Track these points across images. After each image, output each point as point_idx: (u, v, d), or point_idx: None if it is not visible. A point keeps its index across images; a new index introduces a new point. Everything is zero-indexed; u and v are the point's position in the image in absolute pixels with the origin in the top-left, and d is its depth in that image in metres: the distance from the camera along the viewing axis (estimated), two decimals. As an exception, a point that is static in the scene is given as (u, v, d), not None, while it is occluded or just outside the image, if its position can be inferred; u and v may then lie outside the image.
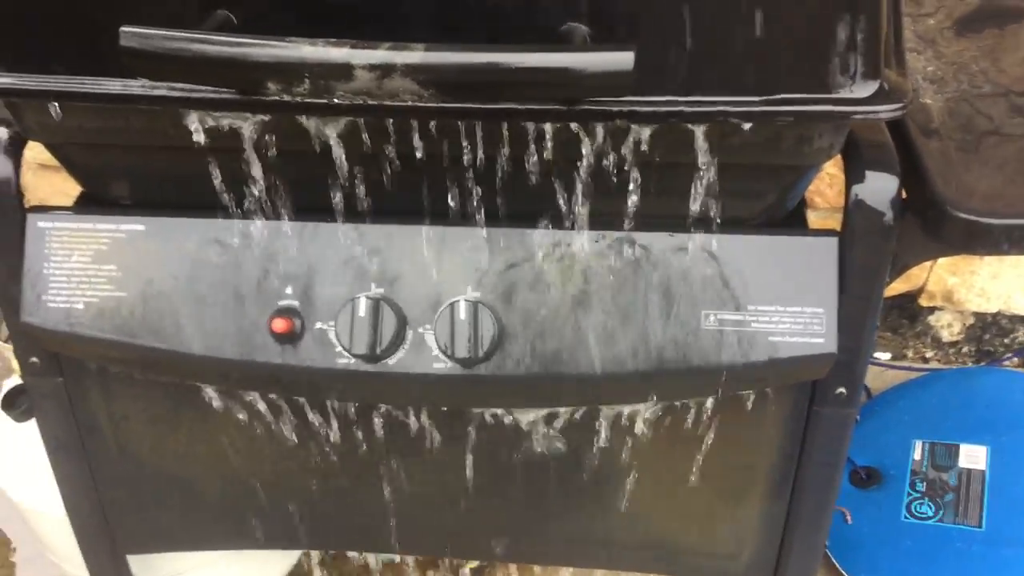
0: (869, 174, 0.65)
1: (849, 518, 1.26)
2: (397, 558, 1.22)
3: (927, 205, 0.64)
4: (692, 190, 0.63)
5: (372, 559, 1.14)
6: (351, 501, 0.83)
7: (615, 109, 0.55)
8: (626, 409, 0.73)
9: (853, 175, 0.65)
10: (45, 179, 1.09)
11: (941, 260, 1.41)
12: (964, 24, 0.86)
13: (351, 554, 1.09)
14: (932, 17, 0.85)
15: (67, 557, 1.08)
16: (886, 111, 0.57)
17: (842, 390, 0.71)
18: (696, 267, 0.67)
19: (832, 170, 0.69)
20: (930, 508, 1.25)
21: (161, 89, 0.56)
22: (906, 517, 1.24)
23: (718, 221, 0.66)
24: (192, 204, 0.67)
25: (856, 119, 0.57)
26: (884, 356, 1.54)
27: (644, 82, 0.53)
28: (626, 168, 0.61)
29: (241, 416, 0.76)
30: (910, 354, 1.56)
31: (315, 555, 1.12)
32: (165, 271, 0.68)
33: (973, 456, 1.30)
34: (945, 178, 0.64)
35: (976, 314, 1.50)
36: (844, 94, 0.56)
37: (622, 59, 0.51)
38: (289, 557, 1.10)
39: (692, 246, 0.67)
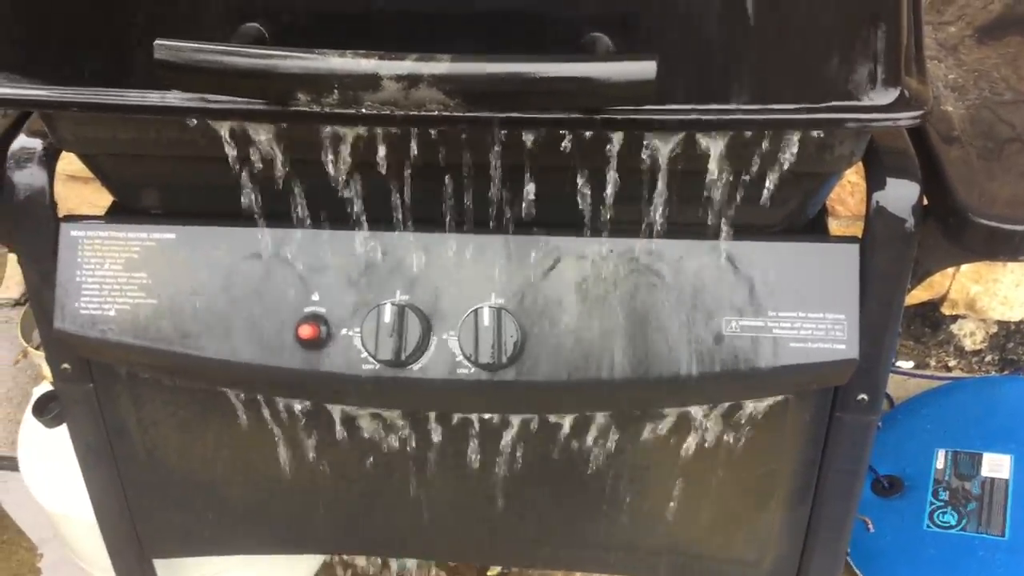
0: (890, 181, 0.65)
1: (871, 527, 1.25)
2: (411, 563, 1.23)
3: (948, 211, 0.64)
4: (713, 198, 0.64)
5: (394, 564, 1.15)
6: (375, 506, 0.84)
7: (638, 118, 0.56)
8: (649, 415, 0.74)
9: (874, 182, 0.66)
10: (74, 190, 1.12)
11: (963, 268, 1.40)
12: (985, 32, 0.86)
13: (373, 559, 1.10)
14: (953, 25, 0.85)
15: (94, 562, 1.09)
16: (906, 118, 0.57)
17: (864, 396, 0.71)
18: (718, 274, 0.68)
19: (854, 178, 0.69)
20: (953, 517, 1.24)
21: (194, 100, 0.57)
22: (928, 526, 1.24)
23: (740, 228, 0.66)
24: (222, 213, 0.69)
25: (876, 127, 0.58)
26: (907, 364, 1.54)
27: (666, 91, 0.54)
28: (649, 176, 0.62)
29: (267, 421, 0.77)
30: (933, 363, 1.55)
31: (339, 558, 1.13)
32: (194, 279, 0.70)
33: (996, 465, 1.29)
34: (966, 185, 0.65)
35: (999, 322, 1.50)
36: (865, 102, 0.57)
37: (644, 68, 0.52)
38: (314, 561, 1.11)
39: (714, 253, 0.67)
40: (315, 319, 0.68)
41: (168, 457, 0.82)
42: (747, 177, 0.62)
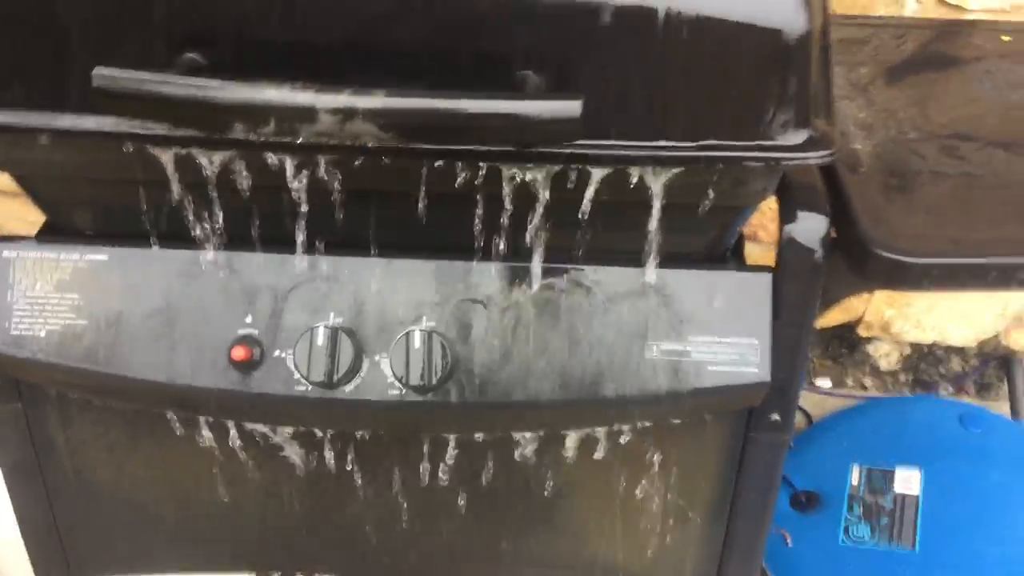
0: (800, 214, 0.69)
1: (789, 541, 1.30)
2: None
3: (853, 244, 0.68)
4: (636, 228, 0.67)
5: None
6: (306, 525, 0.85)
7: (563, 152, 0.59)
8: (572, 436, 0.76)
9: (786, 215, 0.69)
10: (4, 206, 1.10)
11: (879, 292, 1.47)
12: (896, 72, 0.92)
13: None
14: (865, 66, 0.90)
15: (18, 582, 1.07)
16: (814, 158, 0.61)
17: (776, 417, 0.75)
18: (640, 300, 0.71)
19: (775, 205, 0.73)
20: (866, 531, 1.29)
21: (130, 127, 0.58)
22: (843, 540, 1.29)
23: (662, 257, 0.69)
24: (155, 235, 0.70)
25: (787, 166, 0.61)
26: (825, 384, 1.60)
27: (591, 127, 0.57)
28: (574, 207, 0.65)
29: (199, 442, 0.77)
30: (850, 382, 1.61)
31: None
32: (126, 300, 0.70)
33: (908, 481, 1.35)
34: (871, 218, 0.69)
35: (913, 344, 1.56)
36: (776, 142, 0.61)
37: (570, 107, 0.55)
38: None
39: (636, 280, 0.70)
40: (248, 341, 0.69)
41: (97, 476, 0.82)
42: (668, 209, 0.65)
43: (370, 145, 0.55)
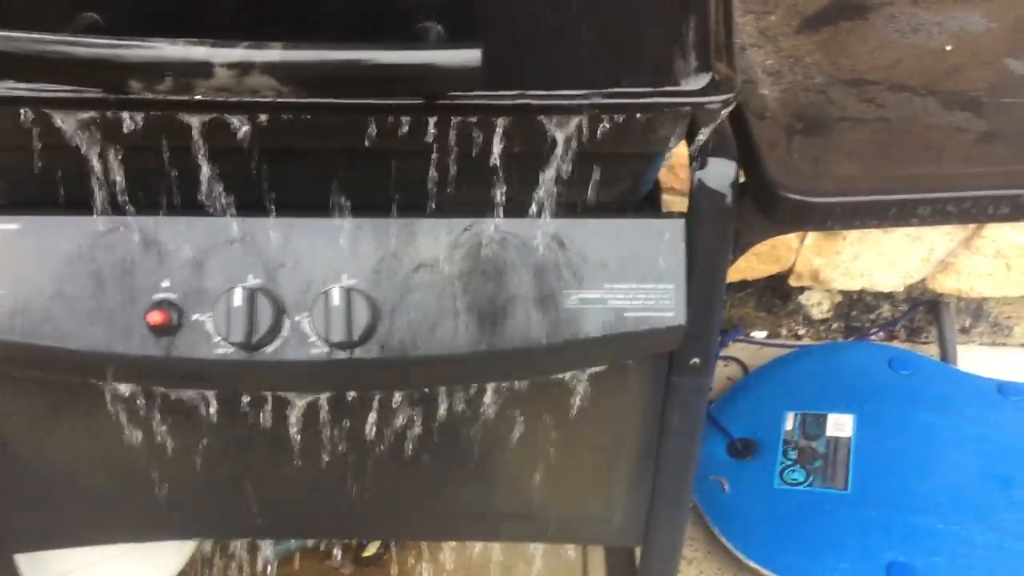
0: (710, 160, 0.70)
1: (727, 488, 1.33)
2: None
3: (761, 187, 0.70)
4: (548, 178, 0.68)
5: (269, 550, 1.16)
6: (237, 490, 0.85)
7: (467, 103, 0.60)
8: (498, 386, 0.78)
9: (696, 161, 0.71)
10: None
11: (808, 243, 1.50)
12: (807, 21, 0.93)
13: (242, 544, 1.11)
14: (774, 14, 0.91)
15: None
16: (716, 102, 0.63)
17: (696, 360, 0.77)
18: (556, 250, 0.72)
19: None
20: (801, 475, 1.33)
21: (26, 90, 0.58)
22: (779, 484, 1.32)
23: (577, 207, 0.70)
24: (67, 202, 0.69)
25: (687, 110, 0.62)
26: (760, 334, 1.63)
27: (494, 78, 0.58)
28: (485, 158, 0.65)
29: (124, 409, 0.77)
30: (784, 332, 1.65)
31: (210, 547, 1.13)
32: (41, 269, 0.70)
33: (840, 424, 1.39)
34: (777, 162, 0.71)
35: (843, 292, 1.60)
36: (678, 87, 0.62)
37: (470, 56, 0.55)
38: (184, 550, 1.11)
39: (552, 231, 0.71)
40: (165, 305, 0.69)
41: (24, 449, 0.82)
42: (578, 159, 0.66)
43: (271, 100, 0.55)
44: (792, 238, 1.48)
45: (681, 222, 0.72)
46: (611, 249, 0.72)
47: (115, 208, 0.68)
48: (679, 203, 0.77)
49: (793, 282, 1.55)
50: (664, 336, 0.73)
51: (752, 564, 1.25)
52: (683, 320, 0.72)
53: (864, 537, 1.23)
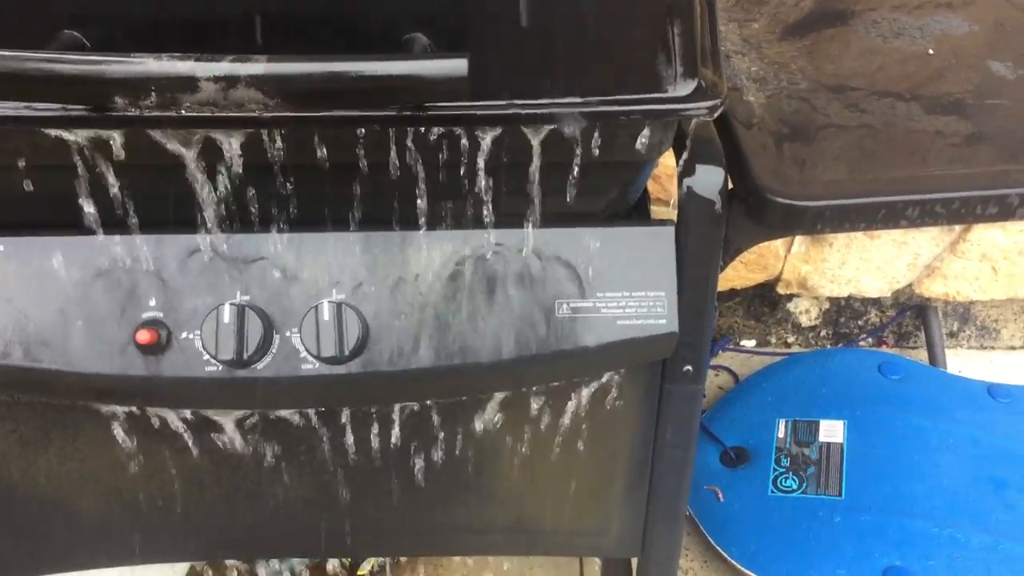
0: (698, 167, 0.70)
1: (721, 497, 1.33)
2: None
3: (750, 193, 0.70)
4: (538, 188, 0.67)
5: (262, 571, 1.15)
6: (228, 510, 0.84)
7: (454, 114, 0.59)
8: (492, 398, 0.77)
9: (684, 168, 0.71)
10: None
11: (795, 250, 1.50)
12: (790, 28, 0.94)
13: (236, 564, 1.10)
14: (757, 22, 0.92)
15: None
16: (703, 108, 0.62)
17: (688, 368, 0.76)
18: (547, 260, 0.71)
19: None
20: (794, 482, 1.33)
21: (10, 109, 0.57)
22: (773, 492, 1.32)
23: (567, 216, 0.70)
24: (52, 222, 0.68)
25: (675, 117, 0.62)
26: (749, 343, 1.63)
27: (482, 87, 0.58)
28: (473, 169, 0.65)
29: (113, 431, 0.76)
30: (773, 340, 1.65)
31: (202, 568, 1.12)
32: (27, 290, 0.69)
33: (832, 431, 1.39)
34: (765, 167, 0.71)
35: (831, 299, 1.61)
36: (664, 94, 0.62)
37: (456, 66, 0.55)
38: (179, 567, 1.10)
39: (542, 241, 0.71)
40: (153, 324, 0.68)
41: (11, 473, 0.81)
42: (567, 168, 0.66)
43: (257, 114, 0.54)
44: (779, 246, 1.48)
45: (671, 229, 0.72)
46: (602, 258, 0.72)
47: (100, 227, 0.67)
48: (664, 213, 0.77)
49: (781, 290, 1.55)
50: (657, 344, 0.73)
51: (749, 573, 1.25)
52: (675, 327, 0.72)
53: (859, 542, 1.23)
